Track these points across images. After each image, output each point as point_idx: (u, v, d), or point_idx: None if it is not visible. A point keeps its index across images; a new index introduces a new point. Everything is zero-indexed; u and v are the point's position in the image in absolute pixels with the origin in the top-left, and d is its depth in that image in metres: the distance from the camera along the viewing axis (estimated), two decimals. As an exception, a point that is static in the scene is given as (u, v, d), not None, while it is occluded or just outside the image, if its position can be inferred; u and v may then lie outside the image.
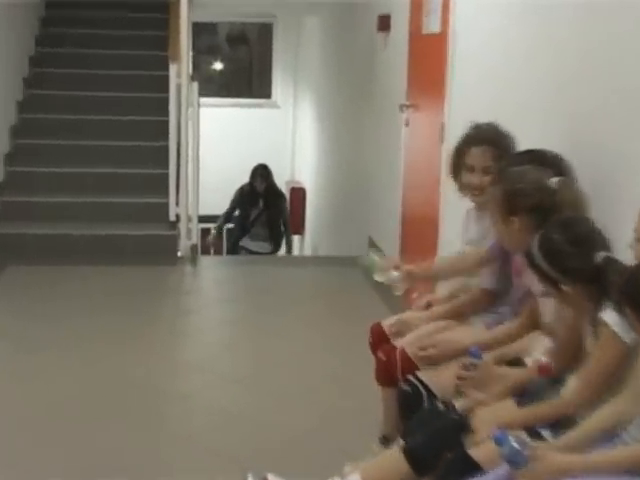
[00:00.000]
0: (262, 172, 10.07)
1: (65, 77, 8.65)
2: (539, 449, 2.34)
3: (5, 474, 3.70)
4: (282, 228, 10.44)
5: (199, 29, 11.83)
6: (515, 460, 2.28)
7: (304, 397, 4.68)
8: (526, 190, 2.91)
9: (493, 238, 3.37)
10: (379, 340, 3.69)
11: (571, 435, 2.46)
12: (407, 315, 3.78)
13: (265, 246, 10.19)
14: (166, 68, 7.58)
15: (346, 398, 4.51)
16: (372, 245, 7.48)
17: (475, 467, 2.56)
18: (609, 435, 2.42)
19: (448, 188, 4.71)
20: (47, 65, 8.89)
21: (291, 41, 12.51)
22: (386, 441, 3.57)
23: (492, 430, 2.44)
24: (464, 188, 3.62)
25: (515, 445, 2.28)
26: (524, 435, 2.52)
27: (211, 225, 11.44)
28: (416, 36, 6.03)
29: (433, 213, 5.52)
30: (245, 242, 10.23)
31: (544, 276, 2.68)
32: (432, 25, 5.62)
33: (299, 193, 11.62)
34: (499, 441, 2.31)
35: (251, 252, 10.20)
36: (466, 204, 3.79)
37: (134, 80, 8.61)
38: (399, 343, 3.55)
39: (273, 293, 6.74)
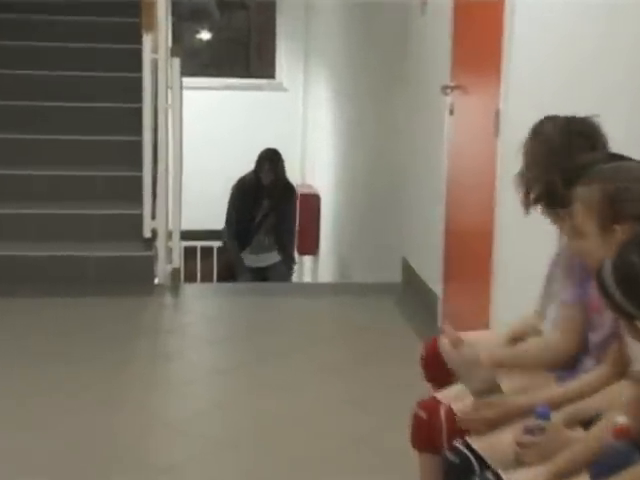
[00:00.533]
0: (272, 157, 10.08)
1: (4, 51, 8.71)
2: None
3: None
4: (289, 236, 10.64)
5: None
6: None
7: (320, 467, 4.68)
8: (636, 191, 2.89)
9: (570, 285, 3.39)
10: (434, 360, 3.74)
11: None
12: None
13: (272, 256, 10.29)
14: (138, 40, 7.61)
15: (375, 468, 4.49)
16: (407, 269, 7.48)
17: None
18: None
19: (506, 195, 4.76)
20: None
21: (300, 4, 12.61)
22: None
23: None
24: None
25: None
26: None
27: (197, 243, 11.38)
28: None
29: (487, 227, 5.51)
30: (248, 260, 10.21)
31: (617, 308, 2.63)
32: None
33: (312, 201, 11.63)
34: None
35: (258, 271, 10.16)
36: (532, 217, 3.77)
37: (96, 55, 8.72)
38: (445, 397, 3.59)
39: (279, 332, 6.73)
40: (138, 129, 7.59)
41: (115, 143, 8.17)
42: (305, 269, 12.28)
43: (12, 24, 9.00)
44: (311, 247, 11.76)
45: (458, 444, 3.27)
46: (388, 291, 7.51)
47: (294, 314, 7.21)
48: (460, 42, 6.22)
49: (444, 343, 3.56)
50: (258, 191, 10.08)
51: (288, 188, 10.46)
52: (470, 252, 6.01)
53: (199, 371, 6.18)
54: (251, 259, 10.20)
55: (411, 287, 7.41)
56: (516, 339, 3.77)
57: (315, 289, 9.30)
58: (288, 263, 10.59)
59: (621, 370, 3.16)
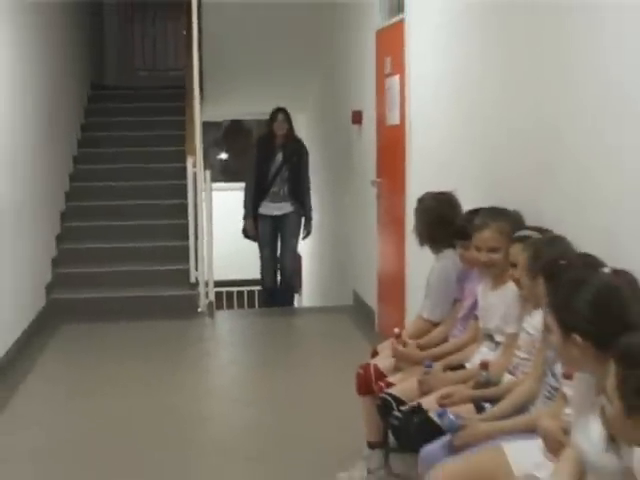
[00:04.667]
0: (284, 110, 7.54)
1: (104, 172, 8.63)
2: (468, 421, 2.72)
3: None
4: (306, 186, 7.75)
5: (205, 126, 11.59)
6: (451, 428, 2.66)
7: (307, 409, 4.84)
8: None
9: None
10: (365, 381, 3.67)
11: (496, 409, 2.82)
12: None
13: (286, 206, 7.64)
14: (184, 160, 7.64)
15: (341, 410, 4.49)
16: (356, 296, 7.36)
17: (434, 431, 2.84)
18: (522, 409, 2.74)
19: (411, 246, 4.79)
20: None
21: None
22: (371, 446, 3.67)
23: (436, 409, 2.82)
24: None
25: (452, 417, 2.67)
26: (472, 409, 2.89)
27: (222, 290, 10.21)
28: (382, 126, 6.14)
29: (401, 265, 5.59)
30: (264, 208, 7.65)
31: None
32: (393, 118, 5.76)
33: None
34: (440, 415, 2.71)
35: (272, 218, 7.64)
36: (426, 259, 3.92)
37: (159, 171, 8.63)
38: (373, 360, 3.75)
39: (273, 338, 6.73)
40: (185, 216, 7.55)
41: (171, 225, 7.95)
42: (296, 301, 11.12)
43: (113, 155, 8.81)
44: (298, 287, 10.69)
45: (383, 394, 3.36)
46: (345, 310, 7.41)
47: (285, 326, 7.19)
48: (381, 153, 6.23)
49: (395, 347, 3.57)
50: (272, 146, 7.55)
51: (299, 143, 7.79)
52: (392, 282, 5.97)
53: (224, 361, 6.19)
54: (268, 207, 7.62)
55: (358, 306, 7.26)
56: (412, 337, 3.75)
57: (300, 311, 9.05)
58: (304, 213, 7.81)
59: (475, 337, 3.34)
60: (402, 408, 3.19)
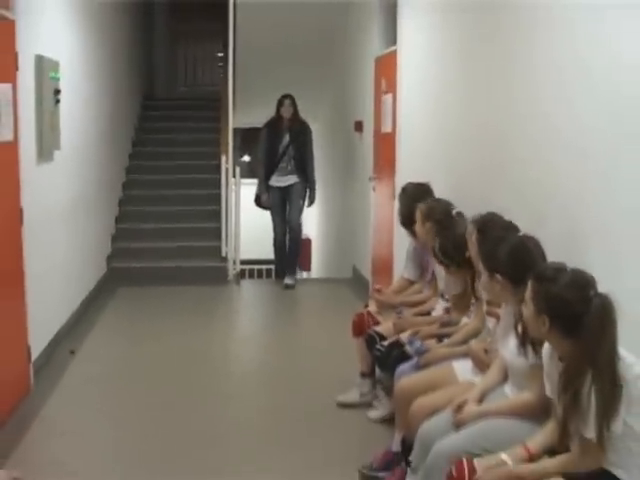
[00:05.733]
0: (290, 95, 7.15)
1: (153, 167, 8.54)
2: (431, 347, 3.12)
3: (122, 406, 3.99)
4: (310, 161, 7.28)
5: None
6: (418, 351, 3.01)
7: (313, 351, 5.00)
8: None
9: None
10: (359, 325, 3.94)
11: (450, 340, 3.16)
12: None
13: (292, 178, 7.23)
14: (218, 158, 7.68)
15: (342, 347, 4.58)
16: (355, 269, 7.35)
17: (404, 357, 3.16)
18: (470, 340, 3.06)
19: (397, 228, 4.80)
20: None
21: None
22: (363, 375, 3.91)
23: (407, 338, 3.16)
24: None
25: (418, 343, 3.02)
26: (434, 341, 3.19)
27: (246, 267, 9.85)
28: (378, 133, 6.21)
29: (389, 247, 5.68)
30: (273, 181, 7.27)
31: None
32: (387, 126, 5.85)
33: (306, 243, 10.59)
34: (411, 342, 3.06)
35: (280, 189, 7.26)
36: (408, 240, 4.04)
37: (198, 167, 8.57)
38: (366, 308, 4.02)
39: (289, 300, 6.78)
40: (218, 203, 7.59)
41: (206, 210, 7.90)
42: (305, 274, 11.01)
43: (164, 154, 8.76)
44: (308, 265, 10.95)
45: (371, 331, 3.66)
46: (345, 280, 7.42)
47: (296, 292, 7.08)
48: (377, 155, 6.25)
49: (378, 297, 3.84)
50: (280, 128, 7.15)
51: (304, 124, 7.24)
52: (383, 258, 5.83)
53: (247, 316, 6.28)
54: (277, 180, 7.23)
55: (356, 278, 7.27)
56: (395, 291, 3.99)
57: (309, 281, 9.04)
58: (308, 185, 7.34)
59: (436, 293, 3.59)
60: (383, 342, 3.49)
